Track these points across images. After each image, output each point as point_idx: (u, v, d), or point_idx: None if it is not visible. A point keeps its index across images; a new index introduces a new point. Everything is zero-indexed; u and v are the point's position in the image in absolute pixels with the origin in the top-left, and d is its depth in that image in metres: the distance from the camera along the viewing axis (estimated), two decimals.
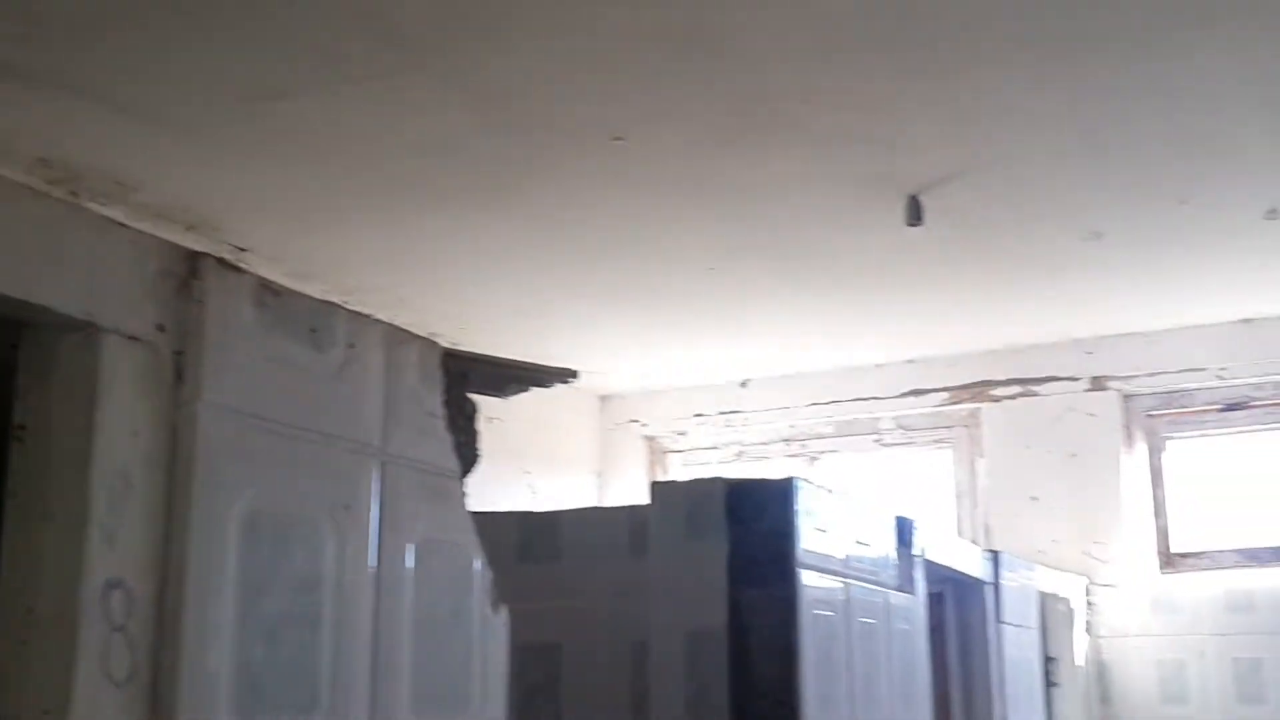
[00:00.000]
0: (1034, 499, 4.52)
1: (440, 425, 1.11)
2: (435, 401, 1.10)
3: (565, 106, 2.67)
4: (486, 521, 2.38)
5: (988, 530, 4.58)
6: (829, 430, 5.04)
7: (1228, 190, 3.14)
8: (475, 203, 3.18)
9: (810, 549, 2.03)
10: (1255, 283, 3.91)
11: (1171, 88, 2.58)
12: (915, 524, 2.57)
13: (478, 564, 1.19)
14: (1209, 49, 2.43)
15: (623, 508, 2.26)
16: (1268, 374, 4.26)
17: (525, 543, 2.30)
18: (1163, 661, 4.15)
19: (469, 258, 3.61)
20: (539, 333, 4.31)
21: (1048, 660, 4.07)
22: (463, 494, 1.16)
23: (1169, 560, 4.36)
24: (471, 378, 1.17)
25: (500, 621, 1.22)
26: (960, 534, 4.64)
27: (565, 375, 1.37)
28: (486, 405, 4.46)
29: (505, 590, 2.27)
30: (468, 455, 1.15)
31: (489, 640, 1.17)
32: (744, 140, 2.82)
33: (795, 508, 2.00)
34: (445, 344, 1.16)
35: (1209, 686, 4.07)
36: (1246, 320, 4.28)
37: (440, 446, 1.12)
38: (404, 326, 1.17)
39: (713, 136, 2.80)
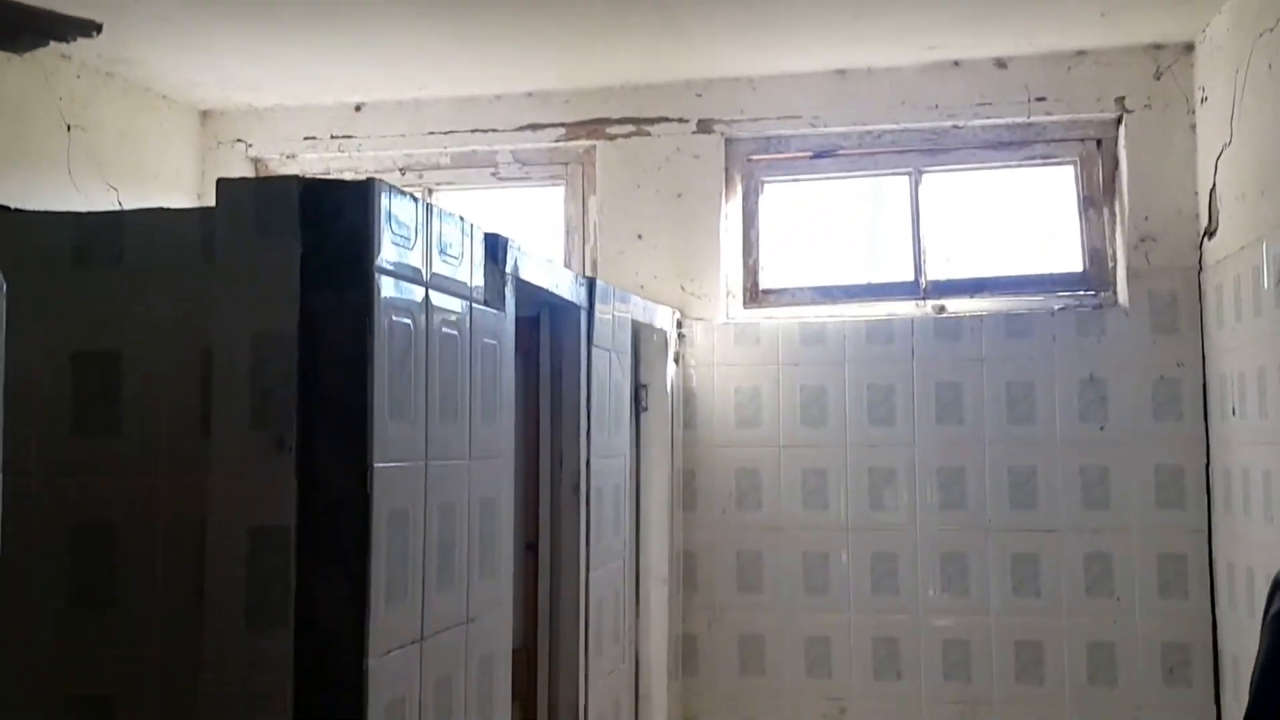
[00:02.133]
0: (639, 236, 4.67)
1: None
2: None
3: None
4: (36, 222, 2.17)
5: (595, 265, 4.71)
6: (446, 162, 4.95)
7: None
8: None
9: (390, 256, 1.99)
10: (849, 34, 4.09)
11: None
12: (508, 242, 2.57)
13: None
14: None
15: (193, 209, 2.11)
16: (855, 124, 4.53)
17: (82, 247, 2.12)
18: (741, 389, 4.49)
19: None
20: (122, 35, 3.89)
21: (639, 387, 4.30)
22: None
23: (755, 296, 4.66)
24: None
25: None
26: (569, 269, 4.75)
27: (88, 28, 1.21)
28: (68, 113, 4.01)
29: (59, 296, 2.09)
30: None
31: None
32: None
33: (373, 211, 1.93)
34: None
35: (779, 410, 4.46)
36: (840, 71, 4.50)
37: None
38: None
39: None
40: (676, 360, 4.49)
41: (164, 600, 2.01)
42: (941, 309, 4.46)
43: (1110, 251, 4.37)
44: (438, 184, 4.99)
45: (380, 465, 1.91)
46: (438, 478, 2.14)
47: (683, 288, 4.61)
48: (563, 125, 4.77)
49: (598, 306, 3.35)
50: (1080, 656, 4.16)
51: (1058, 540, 4.20)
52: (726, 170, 4.66)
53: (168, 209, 2.13)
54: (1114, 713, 4.12)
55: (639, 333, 4.21)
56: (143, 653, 2.00)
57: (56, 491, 2.03)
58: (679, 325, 4.53)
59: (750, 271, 4.68)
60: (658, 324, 4.23)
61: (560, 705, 3.10)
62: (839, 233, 4.76)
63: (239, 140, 5.00)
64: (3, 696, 2.00)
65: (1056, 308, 4.32)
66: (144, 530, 2.02)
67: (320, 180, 1.93)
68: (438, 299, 2.18)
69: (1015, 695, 4.19)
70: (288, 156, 5.00)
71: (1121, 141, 4.31)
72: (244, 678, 1.85)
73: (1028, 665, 4.19)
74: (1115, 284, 4.34)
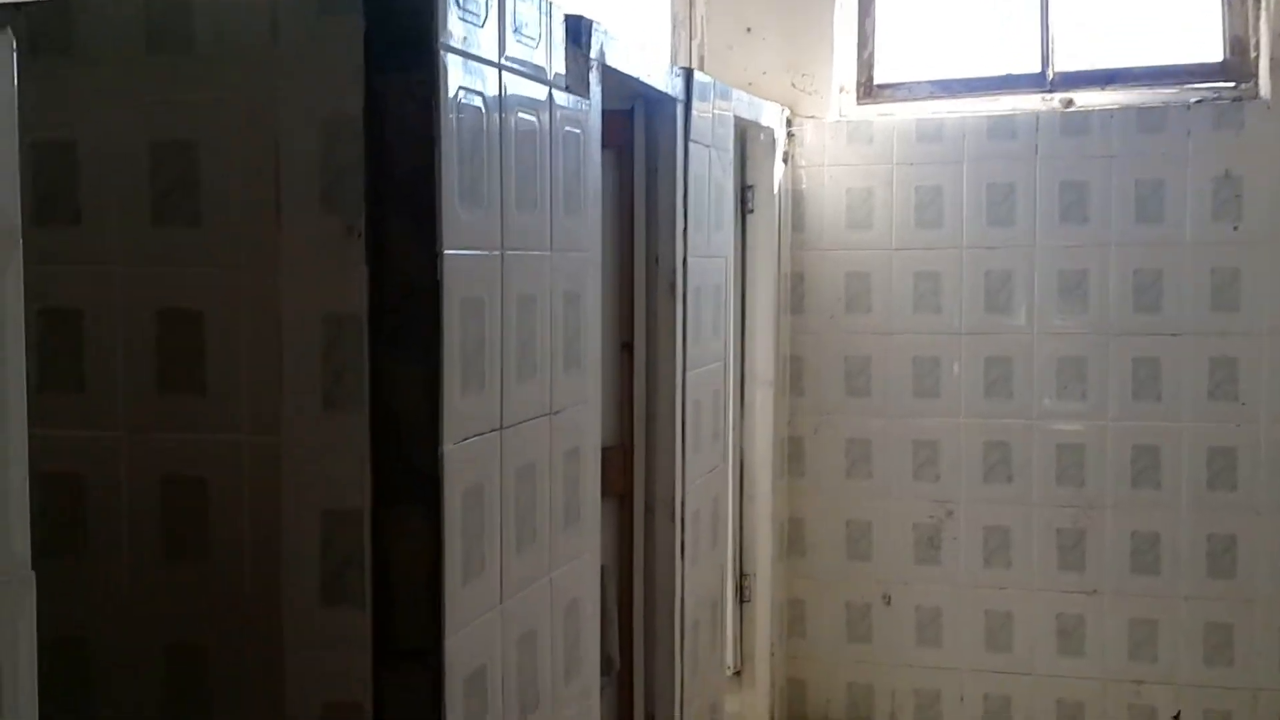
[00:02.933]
0: (748, 30, 4.48)
1: None
2: None
3: None
4: (107, 7, 2.14)
5: (702, 61, 4.54)
6: None
7: None
8: None
9: (456, 34, 1.91)
10: None
11: None
12: (591, 24, 2.46)
13: None
14: None
15: None
16: None
17: (154, 32, 2.08)
18: (852, 190, 4.34)
19: None
20: None
21: (745, 188, 4.19)
22: None
23: (869, 91, 4.46)
24: None
25: None
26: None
27: None
28: None
29: (135, 84, 2.07)
30: None
31: None
32: None
33: None
34: None
35: (892, 212, 4.31)
36: None
37: None
38: None
39: None
40: (785, 160, 4.34)
41: (249, 387, 2.03)
42: (1069, 103, 4.20)
43: (1253, 40, 4.04)
44: None
45: (450, 252, 1.87)
46: (515, 268, 2.10)
47: (793, 84, 4.43)
48: None
49: (695, 101, 3.22)
50: (1199, 461, 4.03)
51: (1182, 344, 4.03)
52: None
53: None
54: (1231, 516, 4.01)
55: (745, 131, 4.07)
56: (230, 438, 2.03)
57: (141, 280, 2.04)
58: (788, 124, 4.37)
59: (865, 65, 4.46)
60: (764, 122, 4.08)
61: (657, 501, 3.12)
62: (960, 22, 4.49)
63: None
64: (97, 475, 2.07)
65: (1193, 100, 4.04)
66: (228, 318, 2.03)
67: None
68: (512, 82, 2.10)
69: (1130, 499, 4.09)
70: None
71: None
72: (322, 462, 1.87)
73: (1144, 470, 4.08)
74: (1257, 75, 4.03)
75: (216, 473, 2.06)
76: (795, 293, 4.39)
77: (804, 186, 4.38)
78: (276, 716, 1.98)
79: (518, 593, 2.14)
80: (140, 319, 2.04)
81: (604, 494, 2.79)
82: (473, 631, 1.98)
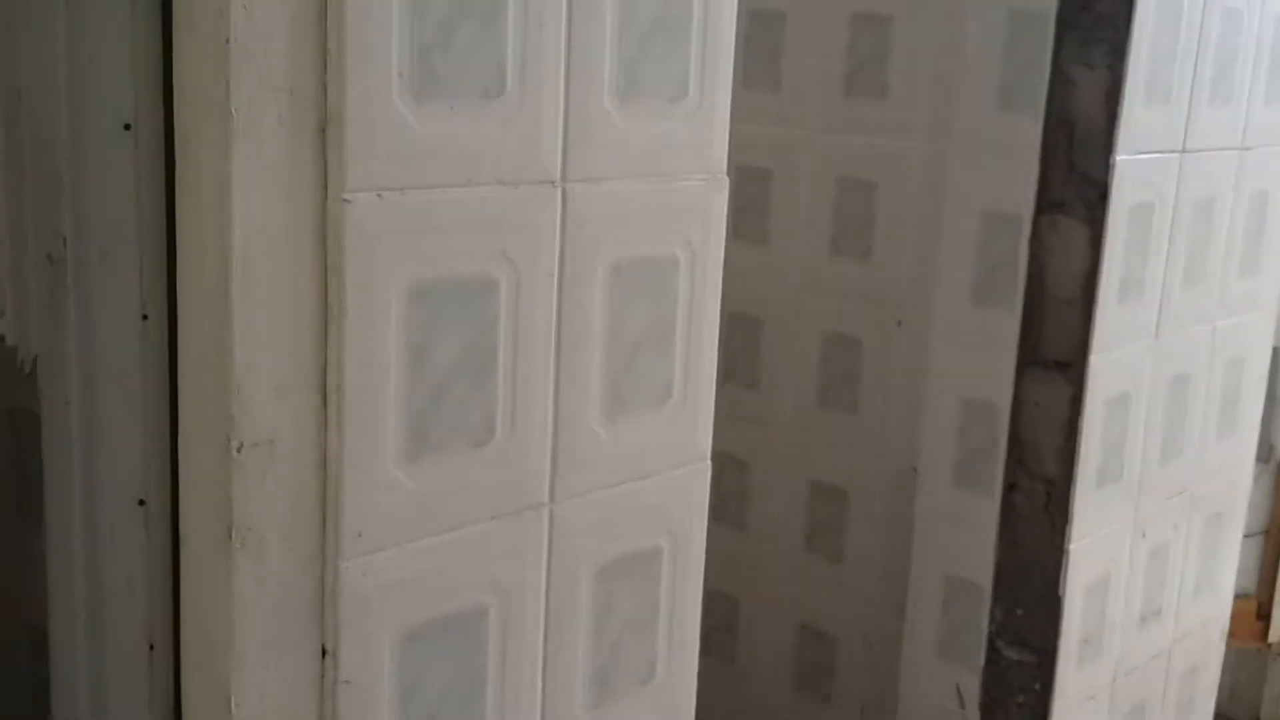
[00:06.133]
0: None
1: None
2: None
3: None
4: None
5: None
6: None
7: None
8: None
9: None
10: None
11: None
12: None
13: None
14: None
15: None
16: None
17: None
18: None
19: None
20: None
21: None
22: None
23: None
24: None
25: None
26: None
27: None
28: None
29: None
30: None
31: None
32: None
33: None
34: None
35: None
36: None
37: None
38: None
39: None
40: None
41: (927, 92, 2.09)
42: None
43: None
44: None
45: None
46: None
47: None
48: None
49: None
50: None
51: None
52: None
53: None
54: None
55: None
56: (903, 144, 2.12)
57: None
58: None
59: None
60: None
61: None
62: None
63: None
64: (783, 170, 2.26)
65: None
66: (912, 21, 2.09)
67: None
68: None
69: None
70: None
71: None
72: (988, 164, 1.89)
73: None
74: None
75: (886, 176, 2.17)
76: None
77: None
78: (916, 409, 2.10)
79: (1176, 331, 2.05)
80: (835, 23, 2.17)
81: None
82: (1122, 355, 1.93)
